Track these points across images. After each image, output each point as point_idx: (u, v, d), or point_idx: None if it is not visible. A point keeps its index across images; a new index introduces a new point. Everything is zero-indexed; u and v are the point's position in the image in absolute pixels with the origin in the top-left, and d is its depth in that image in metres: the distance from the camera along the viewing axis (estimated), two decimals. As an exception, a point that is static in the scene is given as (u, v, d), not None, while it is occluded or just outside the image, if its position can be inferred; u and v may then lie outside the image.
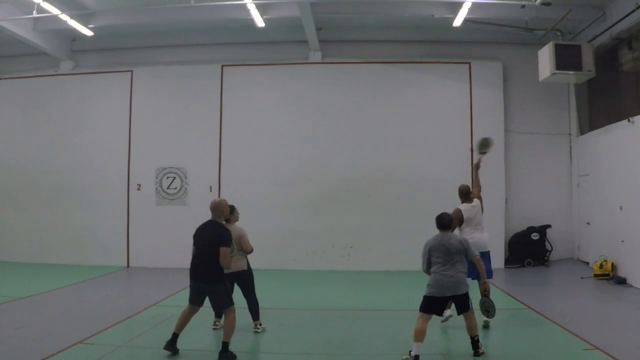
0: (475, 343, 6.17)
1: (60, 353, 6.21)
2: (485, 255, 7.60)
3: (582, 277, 11.26)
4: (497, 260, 13.09)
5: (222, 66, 13.93)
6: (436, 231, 6.41)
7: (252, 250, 7.41)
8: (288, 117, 13.78)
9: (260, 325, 7.43)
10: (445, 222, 6.45)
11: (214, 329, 7.50)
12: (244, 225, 7.74)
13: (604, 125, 11.99)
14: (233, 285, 7.44)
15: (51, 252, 13.88)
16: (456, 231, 7.58)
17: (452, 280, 6.08)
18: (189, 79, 14.00)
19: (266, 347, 7.06)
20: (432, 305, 6.16)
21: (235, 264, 7.20)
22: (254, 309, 7.45)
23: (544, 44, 11.59)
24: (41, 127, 14.36)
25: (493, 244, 12.86)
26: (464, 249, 6.24)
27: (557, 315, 7.99)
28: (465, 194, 8.00)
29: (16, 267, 13.13)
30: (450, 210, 7.66)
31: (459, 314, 6.33)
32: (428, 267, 6.28)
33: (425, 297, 6.19)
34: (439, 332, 7.39)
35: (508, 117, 13.68)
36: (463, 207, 7.81)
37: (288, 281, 11.89)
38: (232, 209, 7.44)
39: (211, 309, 7.59)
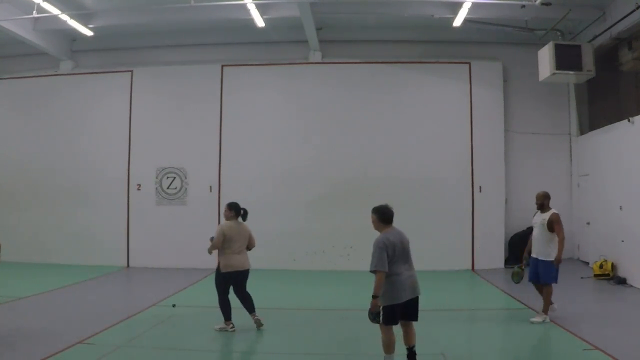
0: (414, 355, 5.56)
1: (60, 353, 6.20)
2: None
3: (582, 277, 11.26)
4: (497, 260, 13.11)
5: (222, 66, 13.93)
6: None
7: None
8: (288, 117, 13.78)
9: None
10: (391, 215, 5.81)
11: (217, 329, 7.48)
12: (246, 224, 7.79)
13: (604, 125, 11.99)
14: (231, 283, 7.46)
15: (51, 252, 13.88)
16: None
17: (412, 281, 5.50)
18: (189, 79, 14.00)
19: (266, 347, 7.06)
20: (395, 313, 5.42)
21: (246, 262, 7.45)
22: (251, 302, 7.49)
23: (544, 44, 11.59)
24: (41, 127, 14.36)
25: (493, 244, 13.10)
26: (408, 245, 5.64)
27: (557, 315, 7.98)
28: (542, 197, 8.04)
29: (16, 267, 13.11)
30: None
31: (405, 319, 5.53)
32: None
33: (385, 308, 5.37)
34: (439, 331, 7.39)
35: (508, 117, 13.68)
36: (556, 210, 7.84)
37: (288, 281, 11.88)
38: (237, 207, 7.63)
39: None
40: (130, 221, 13.87)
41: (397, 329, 5.59)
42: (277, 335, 7.48)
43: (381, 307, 5.41)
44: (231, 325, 7.41)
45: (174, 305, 8.81)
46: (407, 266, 5.54)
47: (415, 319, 5.55)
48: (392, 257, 5.42)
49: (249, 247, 7.55)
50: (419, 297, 5.61)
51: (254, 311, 7.47)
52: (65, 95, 14.36)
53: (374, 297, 5.35)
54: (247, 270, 7.50)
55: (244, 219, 7.62)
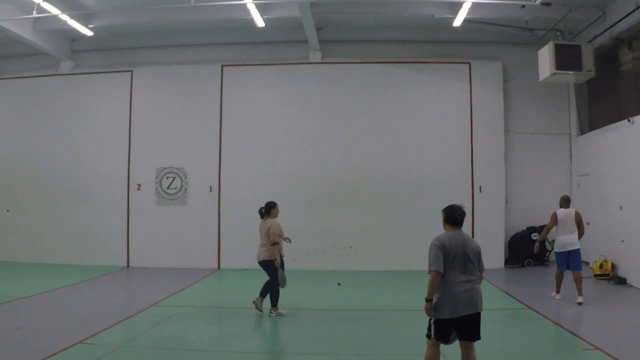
0: None
1: (60, 353, 6.20)
2: (577, 252, 9.04)
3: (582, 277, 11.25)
4: (497, 260, 13.11)
5: (222, 66, 13.93)
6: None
7: (276, 243, 8.24)
8: (288, 117, 13.78)
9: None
10: (460, 216, 4.99)
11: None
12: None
13: (604, 125, 11.98)
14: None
15: (51, 252, 13.89)
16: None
17: (471, 294, 4.73)
18: (189, 79, 14.00)
19: (266, 347, 7.07)
20: (446, 330, 4.78)
21: (259, 254, 8.32)
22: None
23: (544, 44, 11.59)
24: (41, 127, 14.35)
25: (493, 244, 13.09)
26: (480, 255, 4.91)
27: (557, 315, 7.99)
28: (566, 202, 9.37)
29: (16, 267, 13.13)
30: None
31: (463, 339, 4.85)
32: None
33: (436, 322, 4.79)
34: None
35: (508, 117, 13.68)
36: (559, 211, 9.22)
37: (288, 281, 11.84)
38: (274, 205, 8.55)
39: (217, 309, 7.61)
40: (130, 221, 13.86)
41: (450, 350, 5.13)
42: (276, 335, 7.48)
43: (431, 320, 4.85)
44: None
45: (339, 284, 10.43)
46: (468, 276, 4.77)
47: (476, 337, 4.84)
48: (446, 261, 4.73)
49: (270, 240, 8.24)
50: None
51: (260, 296, 8.33)
52: (65, 95, 14.35)
53: (426, 300, 4.79)
54: (260, 262, 8.32)
55: (261, 215, 8.53)
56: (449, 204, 5.09)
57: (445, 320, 4.73)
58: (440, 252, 4.74)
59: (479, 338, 4.84)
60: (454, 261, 4.74)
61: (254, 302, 8.26)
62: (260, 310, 8.25)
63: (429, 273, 4.77)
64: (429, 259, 4.79)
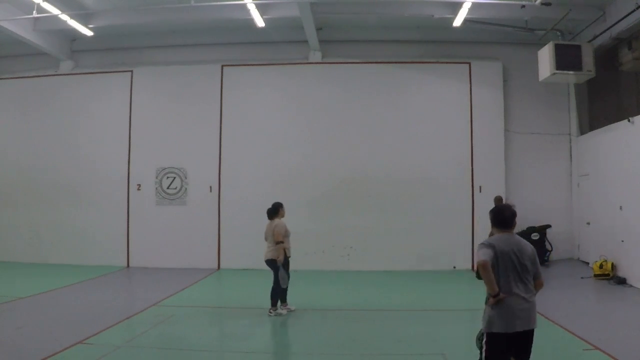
0: None
1: (60, 353, 6.21)
2: None
3: (582, 277, 11.26)
4: (497, 260, 13.10)
5: (222, 66, 13.93)
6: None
7: (280, 242, 8.30)
8: (288, 117, 13.78)
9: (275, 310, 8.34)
10: (509, 216, 4.34)
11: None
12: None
13: (604, 125, 11.99)
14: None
15: (51, 252, 13.88)
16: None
17: (527, 307, 4.09)
18: (189, 79, 14.00)
19: (266, 347, 7.07)
20: (499, 350, 4.09)
21: (266, 253, 8.45)
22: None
23: (544, 44, 11.59)
24: (41, 127, 14.35)
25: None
26: (535, 260, 4.24)
27: (557, 315, 7.99)
28: (499, 201, 10.80)
29: (16, 267, 13.13)
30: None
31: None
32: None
33: (490, 337, 4.10)
34: (439, 331, 7.39)
35: (508, 117, 13.67)
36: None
37: (290, 281, 11.84)
38: (280, 205, 8.69)
39: (217, 309, 7.61)
40: (130, 221, 13.86)
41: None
42: (276, 335, 7.48)
43: (483, 341, 4.18)
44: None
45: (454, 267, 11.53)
46: (523, 287, 4.13)
47: (526, 358, 4.18)
48: (498, 266, 4.10)
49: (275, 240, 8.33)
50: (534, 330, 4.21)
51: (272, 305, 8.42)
52: (65, 95, 14.35)
53: (492, 296, 4.10)
54: (266, 260, 8.43)
55: (269, 215, 8.59)
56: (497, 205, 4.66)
57: (498, 337, 4.07)
58: (488, 249, 4.13)
59: (527, 358, 4.20)
60: (508, 269, 4.12)
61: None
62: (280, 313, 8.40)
63: (479, 270, 4.12)
64: (477, 258, 4.21)
